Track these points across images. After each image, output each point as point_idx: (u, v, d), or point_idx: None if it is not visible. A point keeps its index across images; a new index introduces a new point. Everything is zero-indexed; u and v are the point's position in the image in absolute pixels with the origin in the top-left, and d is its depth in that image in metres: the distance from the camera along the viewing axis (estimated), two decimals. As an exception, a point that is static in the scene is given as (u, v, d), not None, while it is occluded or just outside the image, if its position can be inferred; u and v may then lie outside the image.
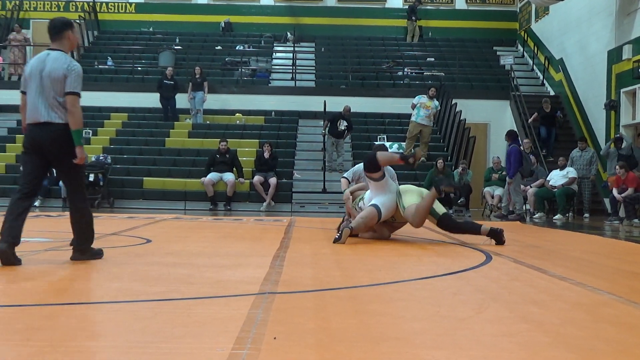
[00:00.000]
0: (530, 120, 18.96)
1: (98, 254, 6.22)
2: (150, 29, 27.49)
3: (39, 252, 6.68)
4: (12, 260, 5.60)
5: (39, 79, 5.92)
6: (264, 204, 17.08)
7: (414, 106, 18.70)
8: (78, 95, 5.95)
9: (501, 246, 8.12)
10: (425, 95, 18.70)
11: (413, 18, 26.74)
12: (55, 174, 17.29)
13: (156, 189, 17.87)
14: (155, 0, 27.74)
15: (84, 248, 6.11)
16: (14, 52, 24.27)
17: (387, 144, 19.77)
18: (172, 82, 20.83)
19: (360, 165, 10.08)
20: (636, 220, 14.24)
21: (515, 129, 18.38)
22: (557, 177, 16.29)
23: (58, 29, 6.14)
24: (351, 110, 19.49)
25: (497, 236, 8.37)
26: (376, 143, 7.99)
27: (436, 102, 18.81)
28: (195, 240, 8.46)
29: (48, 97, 5.87)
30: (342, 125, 18.85)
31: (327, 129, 18.95)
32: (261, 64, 24.48)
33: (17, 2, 26.97)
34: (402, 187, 8.75)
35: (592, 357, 3.02)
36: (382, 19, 27.69)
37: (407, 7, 27.48)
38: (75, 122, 5.88)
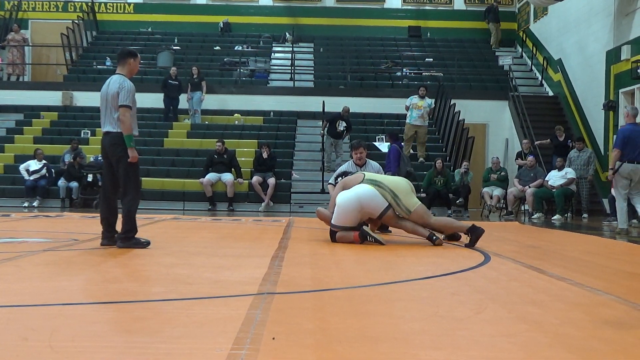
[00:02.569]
0: (537, 143, 18.63)
1: (141, 244, 7.26)
2: (149, 29, 27.49)
3: (38, 253, 6.68)
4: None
5: (104, 99, 7.38)
6: (263, 204, 17.08)
7: (407, 108, 18.74)
8: (128, 107, 7.21)
9: (499, 246, 8.11)
10: (416, 96, 18.71)
11: (487, 20, 26.48)
12: (53, 175, 17.46)
13: (155, 189, 17.86)
14: (153, 1, 27.73)
15: (129, 236, 7.24)
16: (12, 52, 24.25)
17: (386, 144, 19.81)
18: (177, 82, 20.82)
19: (342, 167, 10.08)
20: (635, 221, 14.23)
21: (396, 129, 18.38)
22: (555, 178, 16.30)
23: (122, 57, 7.64)
24: (350, 111, 19.50)
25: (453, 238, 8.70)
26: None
27: (428, 100, 18.78)
28: (194, 241, 8.45)
29: (109, 111, 7.31)
30: (341, 125, 18.85)
31: (325, 129, 18.95)
32: (260, 65, 24.48)
33: (16, 2, 26.95)
34: (393, 185, 8.60)
35: (591, 357, 3.02)
36: (380, 20, 27.69)
37: (410, 7, 27.52)
38: (126, 129, 7.20)
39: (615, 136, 11.73)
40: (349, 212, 8.19)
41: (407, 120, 18.69)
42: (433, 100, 19.30)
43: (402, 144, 17.78)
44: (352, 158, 10.03)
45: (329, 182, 10.11)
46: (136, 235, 7.32)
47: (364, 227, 8.28)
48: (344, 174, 9.41)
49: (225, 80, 23.55)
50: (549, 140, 18.53)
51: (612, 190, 12.64)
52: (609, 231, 12.44)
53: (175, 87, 20.82)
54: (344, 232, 8.18)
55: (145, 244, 7.27)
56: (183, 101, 21.14)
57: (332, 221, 8.29)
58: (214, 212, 16.56)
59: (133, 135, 7.30)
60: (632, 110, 11.74)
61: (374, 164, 10.06)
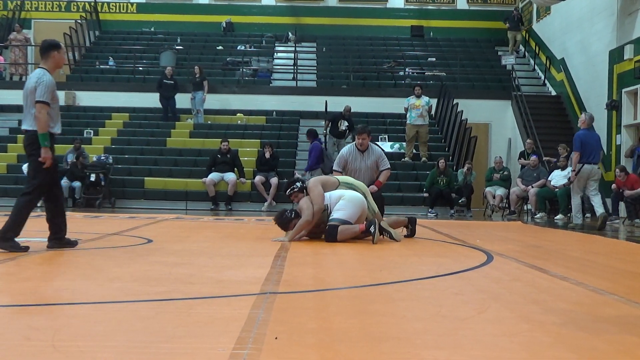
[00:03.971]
0: (546, 159, 18.36)
1: (19, 248, 6.54)
2: (152, 29, 27.51)
3: (40, 252, 6.68)
4: None
5: (24, 94, 6.73)
6: (265, 204, 17.09)
7: (406, 110, 18.75)
8: (45, 104, 6.58)
9: (501, 246, 8.11)
10: (412, 96, 18.72)
11: (508, 25, 25.54)
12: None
13: (157, 189, 17.88)
14: (156, 0, 27.75)
15: (8, 237, 6.59)
16: (14, 52, 24.29)
17: (389, 144, 19.83)
18: (172, 82, 20.83)
19: (343, 151, 10.11)
20: (637, 220, 14.24)
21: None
22: (558, 177, 16.28)
23: (45, 49, 6.89)
24: (352, 110, 19.50)
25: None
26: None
27: (425, 99, 18.77)
28: (197, 240, 8.46)
29: (28, 108, 6.71)
30: (343, 125, 18.85)
31: (328, 129, 18.95)
32: (262, 64, 24.49)
33: (19, 2, 26.99)
34: (362, 188, 8.73)
35: (593, 357, 3.02)
36: (383, 19, 27.68)
37: (413, 7, 27.53)
38: (41, 127, 6.57)
39: (573, 141, 12.61)
40: (358, 209, 8.28)
41: (408, 121, 18.71)
42: (429, 99, 19.24)
43: (323, 140, 18.09)
44: (354, 142, 10.02)
45: (334, 168, 10.08)
46: (130, 234, 7.05)
47: (381, 222, 8.37)
48: (344, 160, 9.73)
49: (227, 80, 23.56)
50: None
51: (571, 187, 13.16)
52: (611, 231, 12.45)
53: (170, 86, 20.83)
54: (347, 225, 8.19)
55: (24, 249, 6.57)
56: (181, 100, 21.14)
57: (339, 216, 8.26)
58: (216, 212, 16.57)
59: (55, 134, 6.74)
60: (588, 117, 12.73)
61: (376, 149, 10.07)
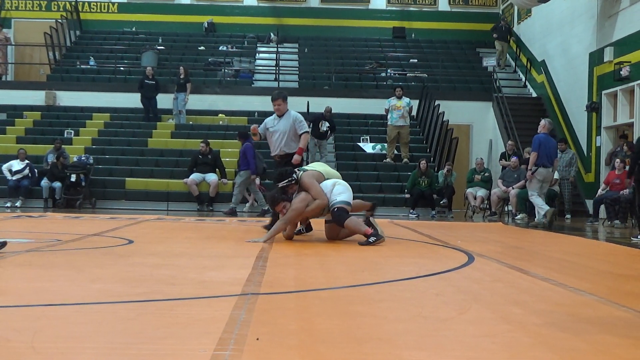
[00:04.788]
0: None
1: None
2: (133, 29, 27.38)
3: (20, 253, 6.63)
4: None
5: None
6: (247, 204, 17.05)
7: (387, 111, 18.80)
8: None
9: (482, 247, 8.14)
10: (394, 97, 18.78)
11: (494, 37, 25.11)
12: (36, 175, 17.36)
13: (138, 190, 17.82)
14: (137, 0, 27.63)
15: None
16: (-5, 51, 24.10)
17: (370, 145, 19.88)
18: (154, 82, 20.76)
19: (267, 119, 10.39)
20: (617, 222, 14.34)
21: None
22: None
23: None
24: (334, 111, 19.51)
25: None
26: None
27: (406, 100, 18.84)
28: (178, 241, 8.43)
29: None
30: (324, 126, 18.85)
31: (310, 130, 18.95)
32: (244, 65, 24.46)
33: (-1, 1, 26.81)
34: (332, 173, 9.06)
35: (574, 357, 3.04)
36: (365, 20, 27.72)
37: (394, 8, 27.59)
38: None
39: (533, 141, 13.20)
40: (351, 193, 8.60)
41: (389, 122, 18.76)
42: (410, 100, 19.30)
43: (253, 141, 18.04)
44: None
45: (260, 131, 10.25)
46: (119, 235, 7.14)
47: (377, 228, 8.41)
48: (265, 126, 10.18)
49: (209, 81, 23.51)
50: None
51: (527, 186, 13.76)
52: (591, 232, 12.53)
53: (151, 87, 20.75)
54: (357, 219, 8.31)
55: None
56: (165, 101, 21.07)
57: (344, 198, 8.36)
58: (201, 212, 16.57)
59: None
60: (547, 122, 13.54)
61: (293, 114, 10.28)
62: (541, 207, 13.13)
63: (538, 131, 13.37)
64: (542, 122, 13.53)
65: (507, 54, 25.55)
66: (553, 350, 3.13)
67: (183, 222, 12.35)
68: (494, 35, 25.14)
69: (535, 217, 13.34)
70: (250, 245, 7.78)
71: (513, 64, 25.53)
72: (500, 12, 27.48)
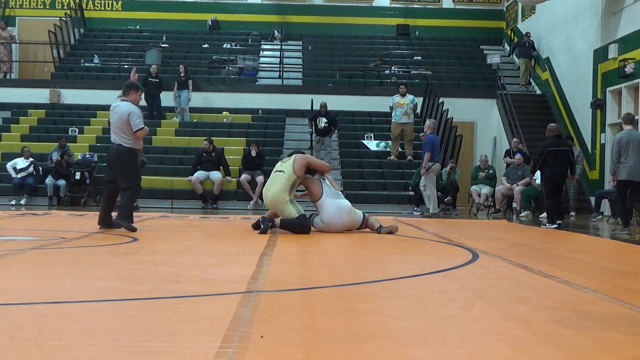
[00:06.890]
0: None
1: None
2: (137, 27, 27.39)
3: (25, 251, 6.65)
4: None
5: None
6: (251, 202, 17.06)
7: (391, 108, 18.78)
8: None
9: (487, 244, 8.13)
10: (397, 95, 18.75)
11: (515, 54, 24.30)
12: (41, 173, 17.39)
13: (143, 187, 17.74)
14: (141, -2, 27.66)
15: None
16: (-1, 49, 24.11)
17: (374, 142, 19.85)
18: (157, 80, 20.75)
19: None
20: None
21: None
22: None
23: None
24: (338, 109, 19.49)
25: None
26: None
27: (410, 97, 18.79)
28: (182, 239, 8.43)
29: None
30: (322, 122, 18.83)
31: (312, 127, 18.96)
32: (248, 62, 24.45)
33: (3, 0, 26.80)
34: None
35: (578, 354, 3.04)
36: (369, 18, 27.71)
37: (398, 6, 27.55)
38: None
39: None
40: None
41: (393, 120, 18.74)
42: (414, 97, 19.27)
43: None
44: None
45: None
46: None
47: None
48: None
49: (213, 78, 23.50)
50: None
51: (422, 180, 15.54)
52: (596, 229, 12.51)
53: (155, 84, 20.74)
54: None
55: None
56: (166, 99, 21.07)
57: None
58: (205, 209, 16.57)
59: None
60: (432, 122, 15.78)
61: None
62: (434, 205, 15.33)
63: (425, 131, 15.41)
64: (428, 122, 15.73)
65: (530, 76, 24.02)
66: (557, 348, 3.13)
67: (187, 220, 12.36)
68: (515, 54, 24.37)
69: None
70: (254, 243, 7.78)
71: (517, 60, 25.30)
72: (504, 9, 27.44)
